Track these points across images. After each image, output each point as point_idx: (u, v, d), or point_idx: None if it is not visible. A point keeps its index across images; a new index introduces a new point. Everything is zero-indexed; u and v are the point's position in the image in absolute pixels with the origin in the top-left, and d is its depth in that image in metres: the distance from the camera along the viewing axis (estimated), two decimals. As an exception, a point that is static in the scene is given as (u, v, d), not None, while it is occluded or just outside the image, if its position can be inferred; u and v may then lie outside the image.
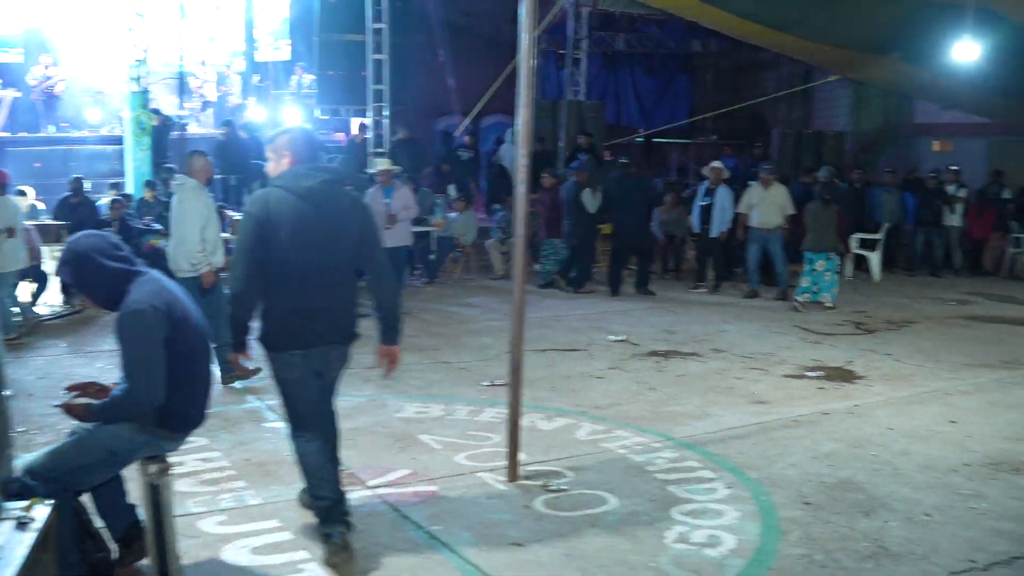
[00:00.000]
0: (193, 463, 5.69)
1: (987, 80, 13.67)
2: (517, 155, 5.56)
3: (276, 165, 4.49)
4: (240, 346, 4.56)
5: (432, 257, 13.68)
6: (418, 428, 6.55)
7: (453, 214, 14.19)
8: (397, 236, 10.53)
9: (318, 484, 4.49)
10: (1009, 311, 11.89)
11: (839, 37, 13.78)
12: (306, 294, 4.34)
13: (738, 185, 13.22)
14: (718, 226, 12.72)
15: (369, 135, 17.31)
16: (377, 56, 17.06)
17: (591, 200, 12.56)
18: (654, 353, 9.00)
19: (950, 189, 15.45)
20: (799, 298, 11.57)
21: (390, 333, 4.65)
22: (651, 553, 4.63)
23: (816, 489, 5.49)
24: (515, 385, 5.56)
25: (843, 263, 12.93)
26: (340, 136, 19.39)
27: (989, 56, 12.17)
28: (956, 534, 4.88)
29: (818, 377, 8.17)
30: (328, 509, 4.47)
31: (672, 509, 5.18)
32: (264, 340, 4.45)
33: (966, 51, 11.25)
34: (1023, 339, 10.12)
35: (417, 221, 11.98)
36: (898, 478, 5.68)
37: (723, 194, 12.75)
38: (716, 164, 13.38)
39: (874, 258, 14.46)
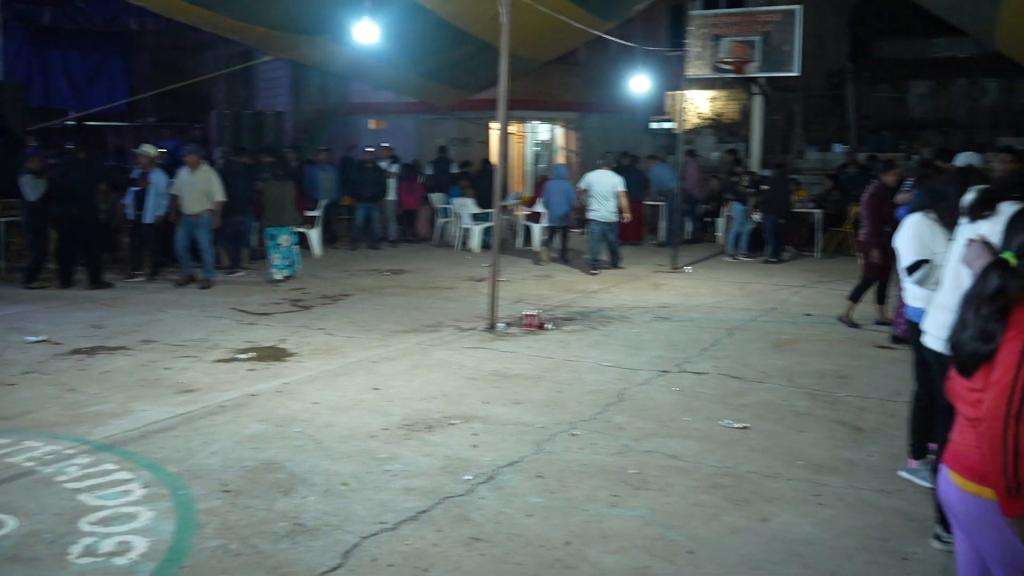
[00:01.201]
0: None
1: (403, 61, 14.55)
2: None
3: None
4: None
5: None
6: None
7: None
8: None
9: None
10: (435, 279, 12.75)
11: (269, 18, 13.75)
12: None
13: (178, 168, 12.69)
14: (152, 211, 12.07)
15: None
16: None
17: (32, 187, 11.28)
18: (77, 351, 8.25)
19: (383, 164, 16.31)
20: (278, 275, 11.71)
21: None
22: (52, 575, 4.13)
23: (238, 475, 5.31)
24: None
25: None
26: None
27: (402, 38, 12.91)
28: (370, 498, 4.99)
29: (249, 359, 8.03)
30: None
31: (81, 520, 4.69)
32: None
33: (366, 32, 11.68)
34: (447, 303, 10.88)
35: None
36: (320, 451, 5.71)
37: (157, 178, 12.11)
38: (145, 148, 12.69)
39: (314, 234, 14.78)
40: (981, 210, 4.20)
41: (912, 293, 5.33)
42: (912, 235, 5.23)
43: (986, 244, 3.90)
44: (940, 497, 3.07)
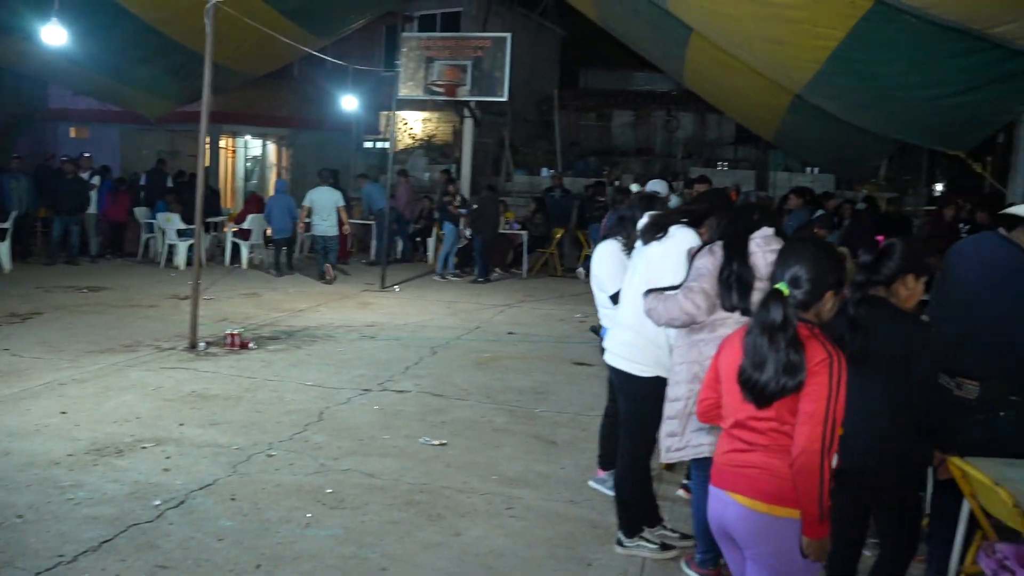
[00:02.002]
0: None
1: (106, 67, 13.81)
2: None
3: None
4: None
5: None
6: None
7: None
8: None
9: None
10: (136, 296, 12.14)
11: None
12: None
13: None
14: None
15: None
16: None
17: None
18: None
19: (84, 176, 15.36)
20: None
21: None
22: None
23: None
24: None
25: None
26: None
27: (107, 43, 12.25)
28: (48, 530, 4.68)
29: (-86, 383, 7.31)
30: None
31: None
32: None
33: (54, 35, 11.02)
34: (147, 321, 10.39)
35: None
36: (-8, 482, 5.29)
37: None
38: None
39: (2, 248, 13.65)
40: (653, 233, 4.54)
41: (607, 315, 5.44)
42: (615, 264, 5.26)
43: (659, 291, 4.24)
44: (709, 518, 3.17)
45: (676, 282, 4.24)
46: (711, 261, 4.02)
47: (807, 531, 2.93)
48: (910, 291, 3.68)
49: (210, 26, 8.99)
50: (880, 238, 3.73)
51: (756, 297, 3.95)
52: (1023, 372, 4.18)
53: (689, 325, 4.09)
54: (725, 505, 3.05)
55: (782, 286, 2.96)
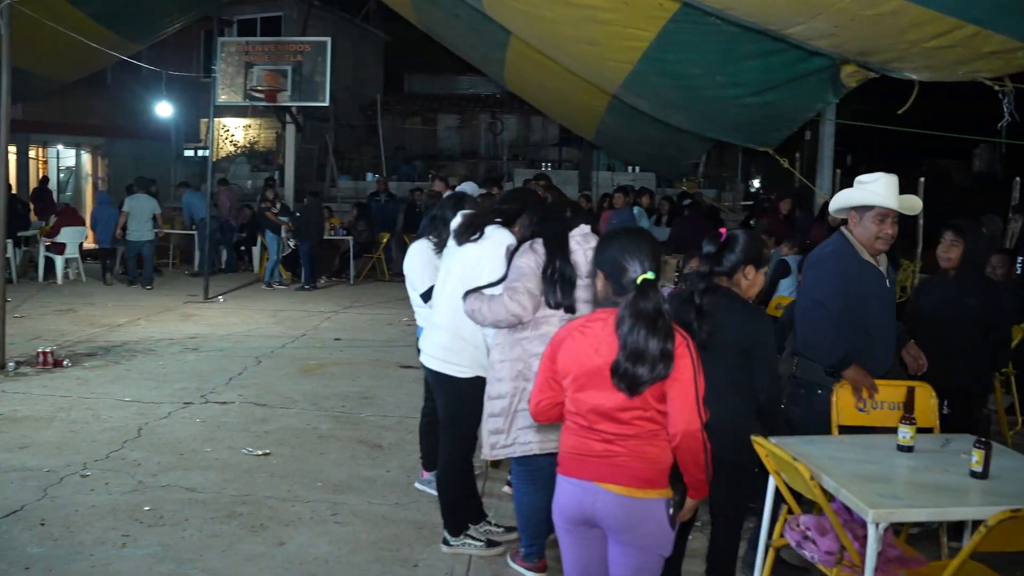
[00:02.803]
0: None
1: None
2: None
3: None
4: None
5: None
6: None
7: None
8: None
9: None
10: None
11: None
12: None
13: None
14: None
15: None
16: None
17: None
18: None
19: None
20: None
21: None
22: None
23: None
24: None
25: None
26: None
27: None
28: None
29: None
30: None
31: None
32: None
33: None
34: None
35: None
36: None
37: None
38: None
39: None
40: (468, 234, 4.60)
41: (422, 315, 5.48)
42: (424, 261, 5.32)
43: (478, 291, 4.30)
44: (563, 509, 3.16)
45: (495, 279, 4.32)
46: (533, 259, 4.09)
47: (695, 494, 3.15)
48: (750, 281, 3.93)
49: (5, 28, 8.56)
50: (723, 230, 3.95)
51: (580, 294, 4.09)
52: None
53: (513, 326, 4.17)
54: (594, 496, 3.06)
55: (649, 275, 2.98)
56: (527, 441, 4.19)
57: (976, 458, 3.60)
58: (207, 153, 15.76)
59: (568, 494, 3.14)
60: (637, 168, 21.11)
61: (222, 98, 16.40)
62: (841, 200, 4.55)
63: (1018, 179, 11.05)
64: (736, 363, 3.81)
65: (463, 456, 4.84)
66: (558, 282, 4.05)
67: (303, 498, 5.56)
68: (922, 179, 11.78)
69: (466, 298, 4.32)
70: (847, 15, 5.50)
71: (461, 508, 4.90)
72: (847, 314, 4.40)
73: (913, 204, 4.49)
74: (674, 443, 3.04)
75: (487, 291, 4.28)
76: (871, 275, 4.45)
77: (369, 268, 16.74)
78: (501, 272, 4.30)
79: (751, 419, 3.88)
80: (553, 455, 3.60)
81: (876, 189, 4.38)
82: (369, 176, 22.11)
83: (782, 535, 4.01)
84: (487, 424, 4.33)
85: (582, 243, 4.10)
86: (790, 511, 3.97)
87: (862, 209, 4.43)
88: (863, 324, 4.45)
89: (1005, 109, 6.33)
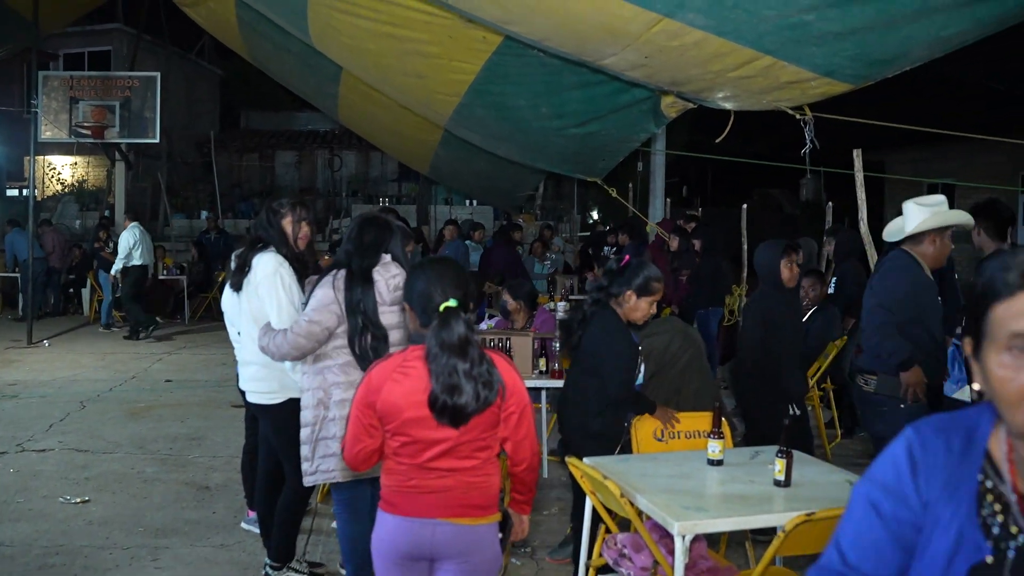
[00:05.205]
0: None
1: None
2: None
3: None
4: None
5: None
6: None
7: None
8: None
9: None
10: None
11: None
12: None
13: None
14: None
15: None
16: None
17: None
18: None
19: None
20: None
21: None
22: None
23: None
24: None
25: None
26: None
27: None
28: None
29: None
30: None
31: None
32: None
33: None
34: None
35: None
36: None
37: None
38: None
39: None
40: (241, 275, 4.57)
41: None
42: (230, 301, 5.00)
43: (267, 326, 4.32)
44: (395, 547, 3.04)
45: (278, 310, 4.37)
46: (330, 292, 4.10)
47: (527, 509, 3.30)
48: (631, 306, 4.43)
49: None
50: (627, 257, 4.55)
51: (387, 319, 4.08)
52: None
53: (304, 358, 4.17)
54: (432, 529, 2.97)
55: (451, 302, 2.92)
56: (329, 469, 4.14)
57: (779, 467, 3.78)
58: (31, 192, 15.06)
59: (402, 531, 3.02)
60: (475, 202, 21.30)
61: (46, 134, 15.79)
62: (932, 222, 4.78)
63: (830, 204, 11.66)
64: (594, 373, 4.44)
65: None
66: (360, 312, 4.05)
67: (121, 544, 5.36)
68: (744, 206, 12.32)
69: (259, 333, 4.35)
70: (654, 46, 5.71)
71: (292, 537, 4.81)
72: (910, 325, 4.75)
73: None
74: (520, 468, 3.13)
75: (275, 324, 4.33)
76: (934, 291, 4.87)
77: (205, 307, 16.29)
78: (282, 297, 4.39)
79: (594, 415, 4.49)
80: (373, 482, 3.60)
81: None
82: (203, 214, 21.54)
83: (600, 554, 4.11)
84: (301, 450, 4.28)
85: (383, 273, 4.11)
86: (607, 530, 4.07)
87: (943, 229, 4.80)
88: (928, 333, 4.82)
89: (807, 137, 6.70)
